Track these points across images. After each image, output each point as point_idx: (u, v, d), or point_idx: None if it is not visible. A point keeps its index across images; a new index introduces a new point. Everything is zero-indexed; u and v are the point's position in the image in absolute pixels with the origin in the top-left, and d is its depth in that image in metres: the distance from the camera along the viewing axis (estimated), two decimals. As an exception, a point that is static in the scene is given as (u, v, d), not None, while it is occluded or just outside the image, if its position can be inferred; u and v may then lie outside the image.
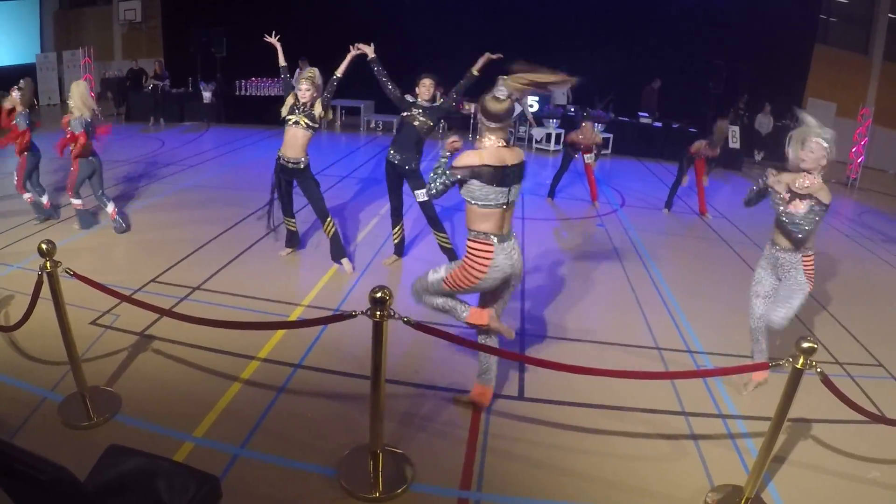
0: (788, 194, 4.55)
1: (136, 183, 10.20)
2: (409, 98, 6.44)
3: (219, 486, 2.87)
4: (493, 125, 3.75)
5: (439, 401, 4.52)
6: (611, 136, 15.71)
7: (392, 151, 6.55)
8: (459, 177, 3.72)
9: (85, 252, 7.04)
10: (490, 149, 3.72)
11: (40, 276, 3.94)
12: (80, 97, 7.22)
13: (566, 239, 8.75)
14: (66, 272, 3.97)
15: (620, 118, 16.32)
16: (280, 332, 5.26)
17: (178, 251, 7.05)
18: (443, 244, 6.81)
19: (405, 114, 6.46)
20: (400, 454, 3.86)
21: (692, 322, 6.22)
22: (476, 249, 3.81)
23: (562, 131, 15.39)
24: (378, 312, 3.24)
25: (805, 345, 3.29)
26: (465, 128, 16.65)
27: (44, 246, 3.85)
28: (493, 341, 4.26)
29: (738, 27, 16.77)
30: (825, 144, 4.40)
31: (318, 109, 6.34)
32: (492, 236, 3.80)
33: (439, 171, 3.81)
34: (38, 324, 4.49)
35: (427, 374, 4.84)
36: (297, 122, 6.31)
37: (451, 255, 6.79)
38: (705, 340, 5.89)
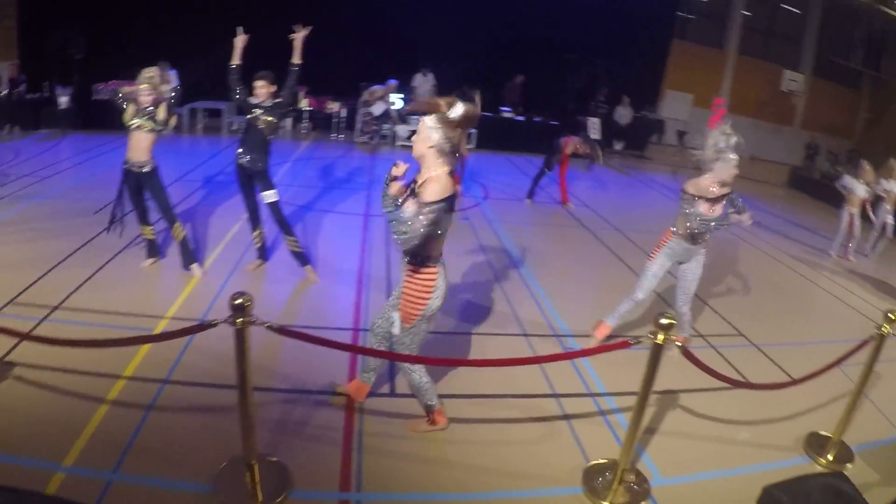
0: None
1: (-16, 198, 9.61)
2: (251, 100, 6.42)
3: (93, 516, 2.81)
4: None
5: (312, 404, 4.53)
6: (475, 130, 16.04)
7: (240, 154, 6.53)
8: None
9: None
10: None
11: None
12: None
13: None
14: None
15: (484, 113, 16.64)
16: (145, 348, 5.08)
17: (35, 269, 6.62)
18: (293, 248, 6.80)
19: (249, 116, 6.47)
20: (276, 462, 3.85)
21: (557, 307, 6.52)
22: (424, 275, 3.83)
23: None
24: (239, 320, 3.18)
25: (663, 321, 3.53)
26: (328, 128, 16.50)
27: None
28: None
29: (598, 24, 17.48)
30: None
31: (161, 113, 6.26)
32: (435, 261, 3.85)
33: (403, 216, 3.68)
34: None
35: (297, 378, 4.83)
36: (139, 126, 6.23)
37: (302, 259, 6.84)
38: (570, 323, 6.19)
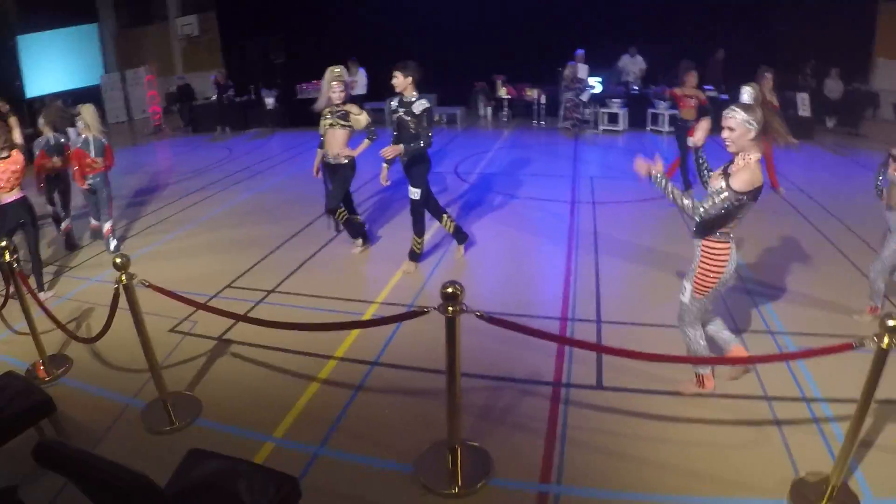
0: None
1: (205, 192, 10.51)
2: (392, 102, 6.32)
3: (298, 487, 2.91)
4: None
5: (517, 393, 4.47)
6: (677, 111, 15.15)
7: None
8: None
9: (162, 260, 7.29)
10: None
11: (117, 289, 4.04)
12: (91, 118, 7.35)
13: (635, 221, 8.53)
14: (142, 283, 4.07)
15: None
16: (355, 331, 5.27)
17: (252, 256, 7.19)
18: (414, 247, 6.66)
19: (395, 115, 6.27)
20: (478, 448, 3.82)
21: (773, 302, 5.97)
22: (718, 249, 4.02)
23: (626, 110, 15.06)
24: (450, 308, 3.22)
25: (891, 323, 3.11)
26: (529, 115, 16.31)
27: (118, 260, 3.96)
28: None
29: None
30: None
31: (353, 110, 6.48)
32: (730, 235, 4.03)
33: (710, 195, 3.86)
34: (119, 334, 4.62)
35: (503, 365, 4.78)
36: (332, 125, 6.52)
37: (414, 256, 6.69)
38: (787, 321, 5.66)
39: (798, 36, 15.46)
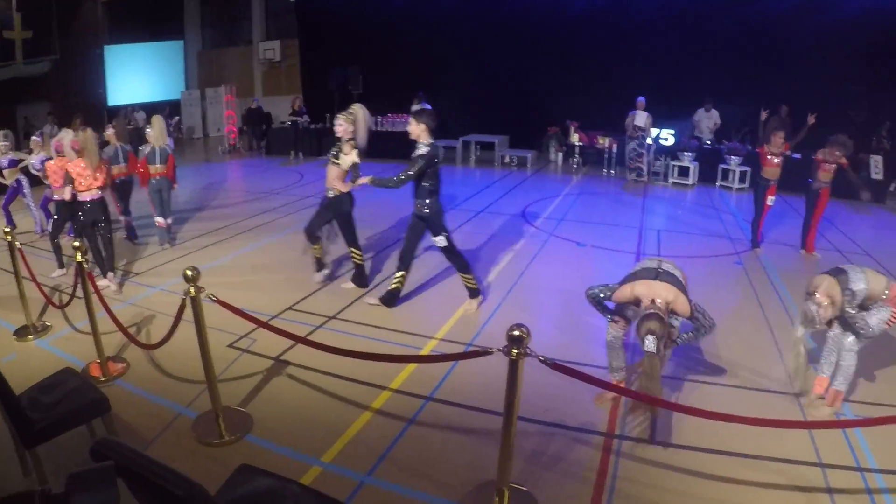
0: None
1: (275, 213, 10.79)
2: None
3: (345, 513, 2.88)
4: None
5: (568, 440, 4.39)
6: (748, 168, 14.84)
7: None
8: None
9: (227, 275, 7.42)
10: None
11: (184, 300, 4.13)
12: (159, 129, 8.45)
13: (701, 277, 8.37)
14: (209, 297, 4.13)
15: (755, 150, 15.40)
16: (412, 364, 5.28)
17: (315, 280, 7.27)
18: (468, 285, 6.63)
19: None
20: (525, 492, 3.76)
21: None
22: None
23: (696, 164, 14.83)
24: (514, 350, 3.20)
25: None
26: (600, 163, 16.35)
27: (189, 272, 4.05)
28: None
29: (873, 50, 15.50)
30: None
31: (345, 148, 6.49)
32: None
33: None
34: (177, 344, 4.72)
35: (557, 412, 4.70)
36: (329, 160, 6.65)
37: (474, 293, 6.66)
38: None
39: (873, 98, 14.99)
